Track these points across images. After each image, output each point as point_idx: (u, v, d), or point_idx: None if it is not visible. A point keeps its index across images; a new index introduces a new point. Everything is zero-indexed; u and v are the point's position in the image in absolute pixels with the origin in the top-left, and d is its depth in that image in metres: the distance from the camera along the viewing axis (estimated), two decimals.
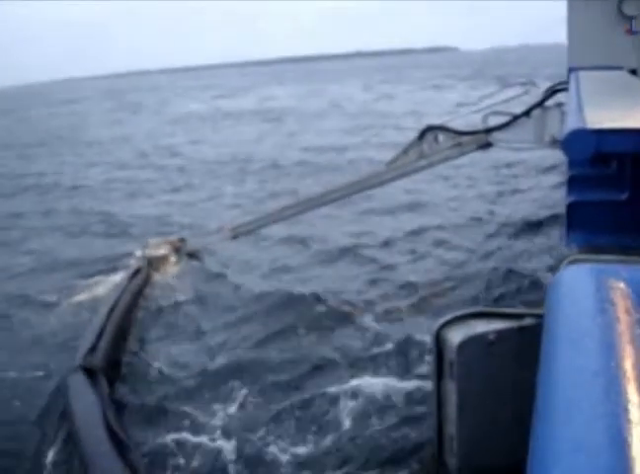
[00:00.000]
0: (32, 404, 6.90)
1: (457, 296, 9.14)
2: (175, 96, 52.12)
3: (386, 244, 11.98)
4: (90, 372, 6.78)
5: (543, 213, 12.57)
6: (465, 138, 9.24)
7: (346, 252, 11.65)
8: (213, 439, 6.11)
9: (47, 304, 10.27)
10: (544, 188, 15.03)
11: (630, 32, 8.23)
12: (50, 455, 5.91)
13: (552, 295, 2.22)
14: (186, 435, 6.18)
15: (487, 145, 9.23)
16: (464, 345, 4.64)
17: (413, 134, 9.63)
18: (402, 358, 7.20)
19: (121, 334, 8.52)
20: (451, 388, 4.75)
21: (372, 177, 9.93)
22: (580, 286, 2.16)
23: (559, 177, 13.80)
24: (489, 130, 9.11)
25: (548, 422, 1.53)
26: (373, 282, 10.09)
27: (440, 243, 11.82)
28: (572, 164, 5.55)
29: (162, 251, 11.70)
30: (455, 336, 4.70)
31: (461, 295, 9.14)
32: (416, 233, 12.53)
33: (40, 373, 7.71)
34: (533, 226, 12.06)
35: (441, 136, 9.44)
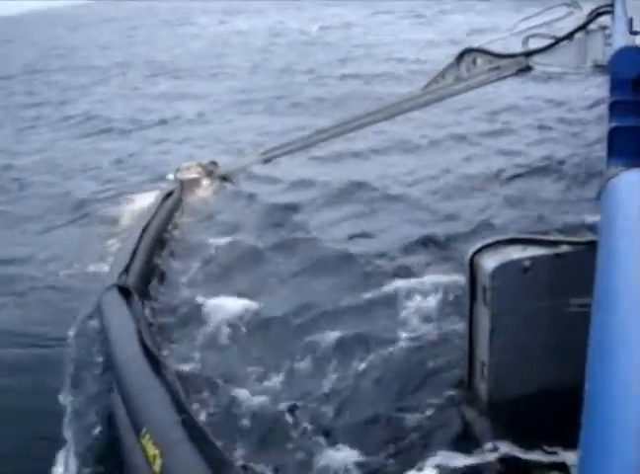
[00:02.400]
0: (67, 321, 7.06)
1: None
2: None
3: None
4: (124, 291, 6.86)
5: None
6: (504, 62, 8.96)
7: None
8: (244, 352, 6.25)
9: (81, 222, 10.45)
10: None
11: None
12: (87, 374, 6.06)
13: (608, 200, 2.15)
14: (216, 354, 6.29)
15: (527, 69, 8.94)
16: (498, 271, 4.60)
17: None
18: None
19: (154, 254, 8.61)
20: (484, 314, 4.75)
21: (408, 100, 9.72)
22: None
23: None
24: (529, 54, 8.81)
25: (607, 347, 1.49)
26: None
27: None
28: (615, 89, 5.36)
29: (194, 174, 11.73)
30: (490, 262, 4.67)
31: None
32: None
33: (75, 287, 7.87)
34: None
35: (480, 59, 9.17)
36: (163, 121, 18.00)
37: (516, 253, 4.72)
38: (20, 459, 5.07)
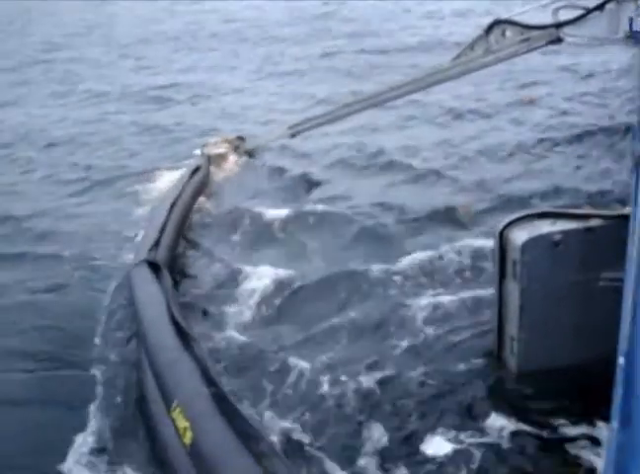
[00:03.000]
0: (97, 297, 7.14)
1: None
2: None
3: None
4: (154, 266, 6.91)
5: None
6: (534, 33, 8.81)
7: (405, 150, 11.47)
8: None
9: (112, 196, 10.54)
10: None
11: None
12: (117, 348, 6.14)
13: None
14: (246, 326, 6.33)
15: (557, 40, 8.79)
16: (528, 245, 4.57)
17: None
18: None
19: (182, 229, 8.65)
20: (513, 289, 4.72)
21: (437, 73, 9.60)
22: None
23: None
24: (559, 25, 8.65)
25: None
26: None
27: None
28: None
29: (221, 149, 11.75)
30: (520, 236, 4.63)
31: None
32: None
33: (104, 262, 7.96)
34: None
35: (509, 31, 9.03)
36: (196, 94, 18.00)
37: (546, 227, 4.68)
38: (50, 429, 5.13)
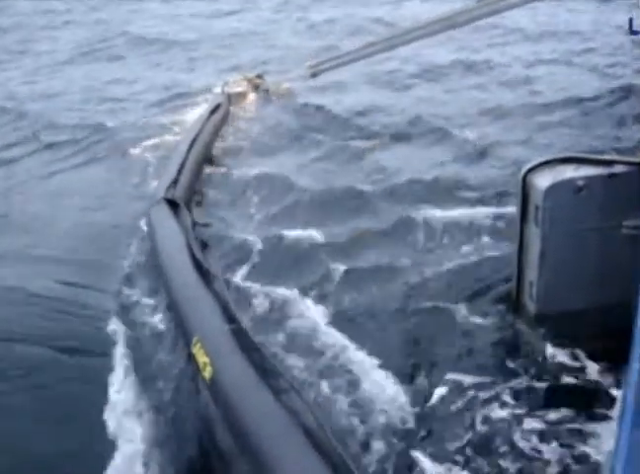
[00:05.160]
0: (118, 233, 7.20)
1: None
2: None
3: None
4: (173, 204, 6.93)
5: None
6: None
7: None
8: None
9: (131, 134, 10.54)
10: None
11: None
12: (138, 284, 6.19)
13: None
14: (264, 265, 6.37)
15: None
16: (551, 190, 4.53)
17: None
18: None
19: (202, 168, 8.65)
20: (535, 234, 4.69)
21: (462, 13, 9.39)
22: None
23: None
24: None
25: None
26: None
27: None
28: None
29: (241, 87, 11.67)
30: (543, 181, 4.59)
31: None
32: None
33: (126, 200, 8.00)
34: None
35: None
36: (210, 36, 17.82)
37: (569, 172, 4.63)
38: (73, 365, 5.18)
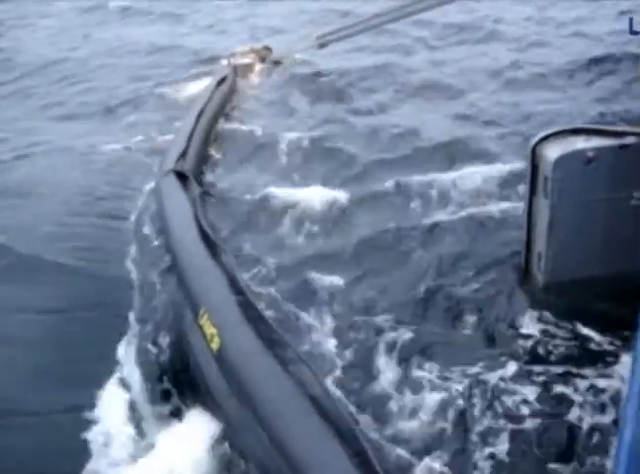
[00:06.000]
0: (126, 205, 7.20)
1: None
2: None
3: None
4: (181, 176, 6.92)
5: None
6: None
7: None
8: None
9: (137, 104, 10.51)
10: None
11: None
12: (146, 256, 6.19)
13: None
14: (272, 237, 6.37)
15: None
16: (561, 161, 4.49)
17: None
18: None
19: (209, 139, 8.62)
20: (544, 205, 4.66)
21: None
22: None
23: None
24: None
25: None
26: None
27: None
28: None
29: (248, 59, 11.59)
30: (552, 152, 4.55)
31: None
32: None
33: (135, 171, 8.01)
34: None
35: None
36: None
37: (579, 143, 4.59)
38: (83, 332, 5.18)
